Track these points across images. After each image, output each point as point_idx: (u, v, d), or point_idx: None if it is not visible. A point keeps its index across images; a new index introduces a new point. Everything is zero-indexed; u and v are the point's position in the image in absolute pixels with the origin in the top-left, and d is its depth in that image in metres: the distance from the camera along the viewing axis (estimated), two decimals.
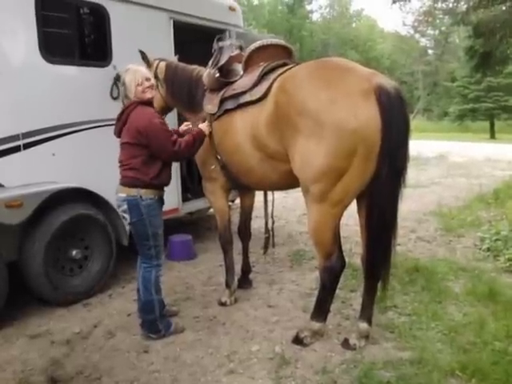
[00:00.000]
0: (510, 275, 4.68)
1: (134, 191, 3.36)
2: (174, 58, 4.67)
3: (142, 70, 3.55)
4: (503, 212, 6.92)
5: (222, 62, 3.83)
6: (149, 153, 3.36)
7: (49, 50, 4.09)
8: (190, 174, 6.45)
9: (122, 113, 3.47)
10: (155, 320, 3.53)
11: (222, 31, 5.92)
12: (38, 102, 4.04)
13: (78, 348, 3.45)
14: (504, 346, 3.18)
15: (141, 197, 3.36)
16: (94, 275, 4.40)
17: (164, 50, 5.09)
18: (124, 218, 3.51)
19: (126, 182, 3.39)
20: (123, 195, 3.40)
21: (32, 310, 4.04)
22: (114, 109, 4.50)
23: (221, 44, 3.95)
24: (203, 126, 3.69)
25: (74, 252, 4.26)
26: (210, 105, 3.79)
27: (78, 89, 4.35)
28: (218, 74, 3.80)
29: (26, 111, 3.96)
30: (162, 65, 4.31)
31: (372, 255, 3.21)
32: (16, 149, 3.90)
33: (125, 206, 3.40)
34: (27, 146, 3.96)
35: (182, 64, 4.37)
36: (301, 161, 3.06)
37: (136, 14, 4.86)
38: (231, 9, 6.20)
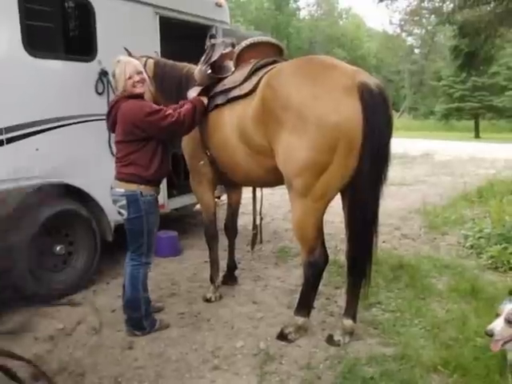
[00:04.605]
0: (492, 272, 4.75)
1: (133, 186, 3.32)
2: (155, 55, 4.63)
3: (134, 62, 3.46)
4: (486, 210, 6.99)
5: (214, 58, 3.82)
6: (149, 145, 3.32)
7: (32, 44, 4.01)
8: (176, 170, 6.42)
9: (111, 109, 3.41)
10: (141, 318, 3.51)
11: (208, 27, 5.91)
12: (20, 96, 3.96)
13: (61, 344, 3.42)
14: (485, 341, 3.20)
15: (141, 193, 3.33)
16: (79, 271, 4.36)
17: (150, 45, 5.05)
18: (120, 213, 3.42)
19: (125, 178, 3.34)
20: (121, 190, 3.34)
21: (15, 306, 3.98)
22: (99, 104, 4.47)
23: (213, 41, 3.95)
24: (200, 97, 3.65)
25: (58, 247, 4.22)
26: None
27: (62, 83, 4.28)
28: (209, 71, 3.79)
29: (9, 105, 3.88)
30: (151, 62, 4.27)
31: (354, 251, 3.23)
32: None
33: (123, 202, 3.34)
34: (10, 140, 3.88)
35: (170, 61, 4.34)
36: (284, 155, 3.08)
37: (121, 9, 4.80)
38: (218, 4, 6.16)
